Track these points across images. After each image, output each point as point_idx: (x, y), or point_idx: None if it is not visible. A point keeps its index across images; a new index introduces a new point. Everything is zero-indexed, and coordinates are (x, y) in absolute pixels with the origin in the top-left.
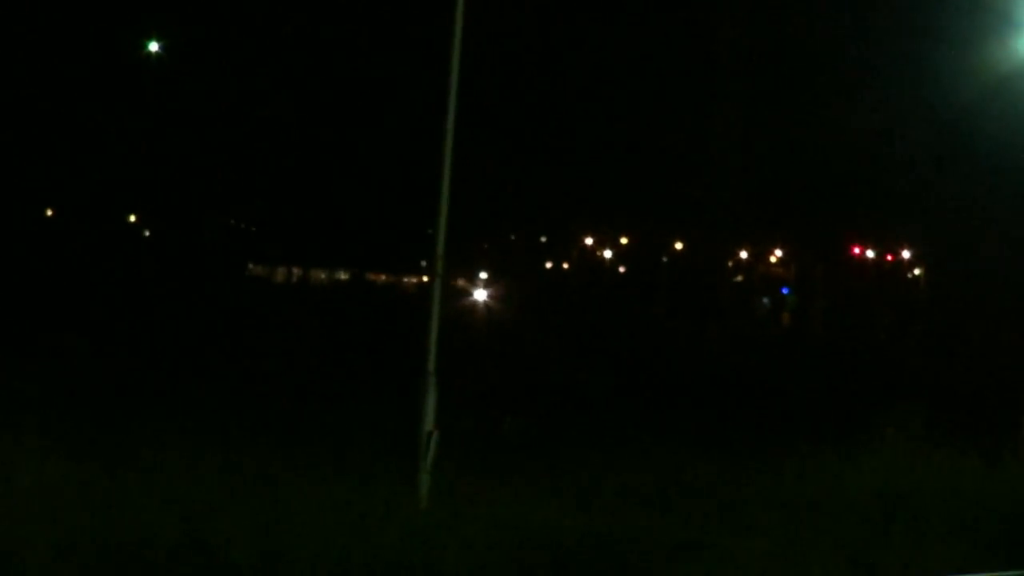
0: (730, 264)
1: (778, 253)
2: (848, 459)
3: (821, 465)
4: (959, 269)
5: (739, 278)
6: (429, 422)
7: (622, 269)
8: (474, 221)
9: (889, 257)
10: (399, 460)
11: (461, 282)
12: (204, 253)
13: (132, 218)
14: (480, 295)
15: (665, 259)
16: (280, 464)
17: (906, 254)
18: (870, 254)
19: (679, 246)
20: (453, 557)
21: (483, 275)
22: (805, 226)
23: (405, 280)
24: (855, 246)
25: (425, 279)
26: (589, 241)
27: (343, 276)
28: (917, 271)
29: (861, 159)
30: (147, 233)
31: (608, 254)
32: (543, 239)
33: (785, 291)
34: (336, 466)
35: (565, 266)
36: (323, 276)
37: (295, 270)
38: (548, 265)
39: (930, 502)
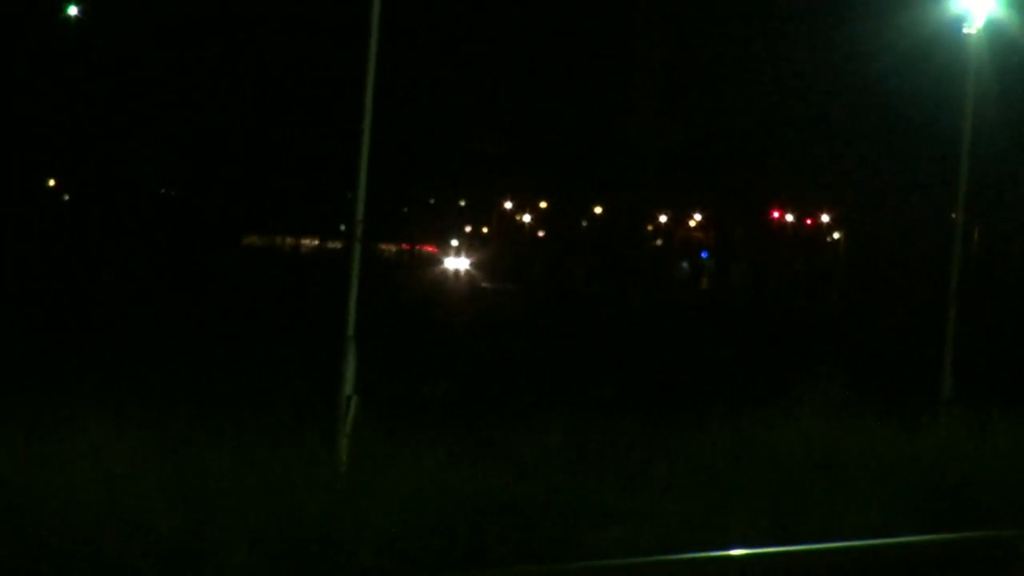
0: (649, 228)
1: (697, 217)
2: (768, 423)
3: (741, 429)
4: (878, 233)
5: (658, 242)
6: (349, 386)
7: (541, 233)
8: (393, 185)
9: (808, 221)
10: (319, 424)
11: (432, 249)
12: (137, 220)
13: (51, 183)
14: (454, 263)
15: (584, 223)
16: (200, 427)
17: (825, 218)
18: (789, 218)
19: (598, 210)
20: (373, 522)
21: (454, 242)
22: (724, 190)
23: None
24: (774, 210)
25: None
26: (508, 205)
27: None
28: (836, 235)
29: (780, 123)
30: (66, 198)
31: (527, 218)
32: (462, 203)
33: (704, 255)
34: (256, 430)
35: (484, 230)
36: (315, 244)
37: (288, 240)
38: (467, 229)
39: (850, 465)
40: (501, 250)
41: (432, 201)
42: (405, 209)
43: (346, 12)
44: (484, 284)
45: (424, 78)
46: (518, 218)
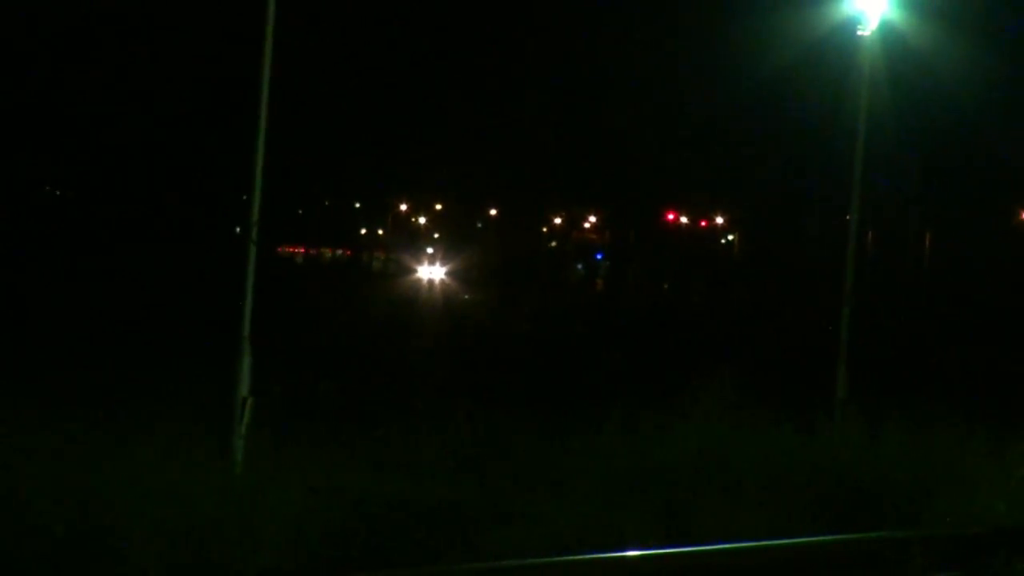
0: (544, 230)
1: (592, 219)
2: (663, 425)
3: (636, 430)
4: (773, 236)
5: (553, 244)
6: (244, 387)
7: (437, 235)
8: (288, 187)
9: (703, 223)
10: (214, 426)
11: (407, 259)
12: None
13: None
14: (428, 272)
15: (480, 225)
16: (95, 429)
17: (720, 220)
18: (684, 220)
19: (493, 212)
20: (269, 523)
21: (429, 250)
22: (618, 192)
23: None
24: (669, 212)
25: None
26: (404, 207)
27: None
28: (731, 237)
29: (673, 125)
30: None
31: (423, 220)
32: (357, 205)
33: (599, 257)
34: (150, 431)
35: (380, 232)
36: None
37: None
38: (363, 231)
39: (745, 466)
40: (479, 258)
41: (327, 203)
42: (300, 211)
43: (243, 13)
44: (465, 296)
45: (321, 78)
46: (414, 220)
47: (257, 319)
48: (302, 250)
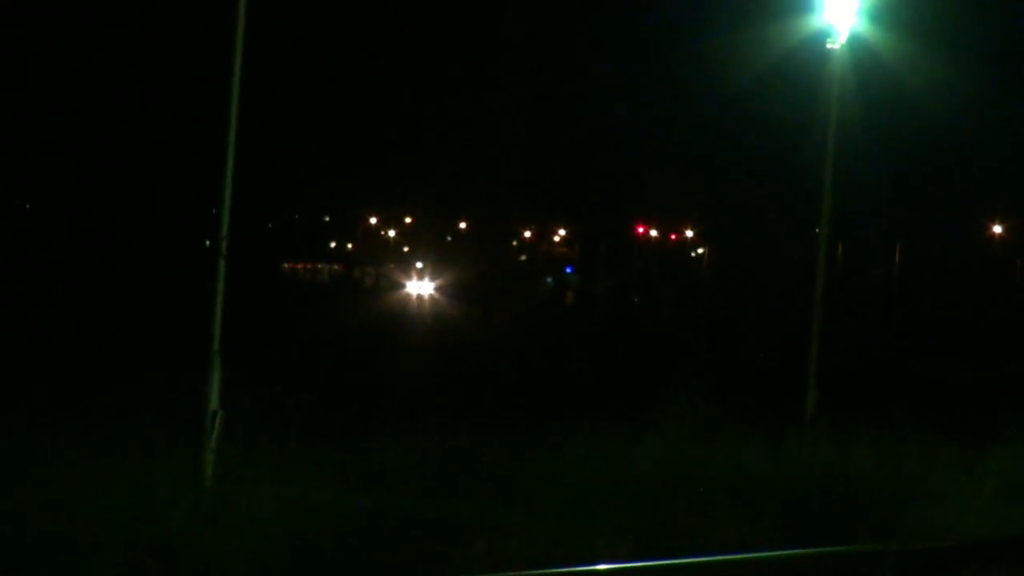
0: (514, 243)
1: (562, 232)
2: (633, 438)
3: (606, 444)
4: (742, 248)
5: (523, 257)
6: (214, 402)
7: (407, 249)
8: (257, 201)
9: (673, 236)
10: (184, 440)
11: (397, 274)
12: None
13: None
14: (417, 288)
15: (449, 238)
16: (63, 441)
17: (689, 233)
18: (654, 233)
19: (463, 225)
20: (238, 538)
21: (419, 264)
22: (588, 205)
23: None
24: (639, 225)
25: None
26: (374, 220)
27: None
28: (700, 250)
29: (643, 138)
30: None
31: (392, 233)
32: (327, 218)
33: (569, 270)
34: (121, 444)
35: (349, 246)
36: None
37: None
38: (332, 245)
39: (715, 480)
40: (465, 273)
41: (297, 216)
42: (270, 225)
43: (213, 23)
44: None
45: (289, 90)
46: (383, 233)
47: (244, 333)
48: (302, 265)
